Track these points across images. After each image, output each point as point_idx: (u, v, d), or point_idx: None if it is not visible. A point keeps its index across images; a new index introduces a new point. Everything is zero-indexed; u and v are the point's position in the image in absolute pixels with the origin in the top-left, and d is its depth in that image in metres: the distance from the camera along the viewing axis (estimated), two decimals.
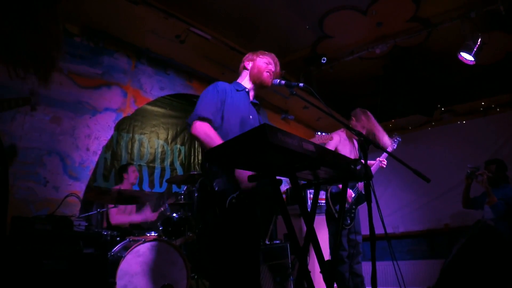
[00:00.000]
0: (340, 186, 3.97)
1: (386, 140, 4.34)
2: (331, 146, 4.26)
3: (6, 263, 2.83)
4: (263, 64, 2.91)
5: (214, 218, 2.43)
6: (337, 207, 4.17)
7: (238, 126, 2.63)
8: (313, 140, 4.31)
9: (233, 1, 4.70)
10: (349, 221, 4.17)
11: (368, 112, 4.48)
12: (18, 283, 2.81)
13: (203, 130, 2.48)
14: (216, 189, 2.30)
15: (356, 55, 5.94)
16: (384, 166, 4.47)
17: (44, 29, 3.77)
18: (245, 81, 2.96)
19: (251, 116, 2.79)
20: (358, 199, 4.27)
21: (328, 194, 4.31)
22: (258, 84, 2.91)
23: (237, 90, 2.85)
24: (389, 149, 4.49)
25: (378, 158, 4.48)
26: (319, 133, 4.61)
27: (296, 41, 5.79)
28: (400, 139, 4.67)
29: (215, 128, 2.54)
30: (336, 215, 4.10)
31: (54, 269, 2.99)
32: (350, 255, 4.12)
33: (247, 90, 2.91)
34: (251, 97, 2.92)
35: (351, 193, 4.22)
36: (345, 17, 5.25)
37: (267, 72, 2.87)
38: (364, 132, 4.28)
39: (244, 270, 2.41)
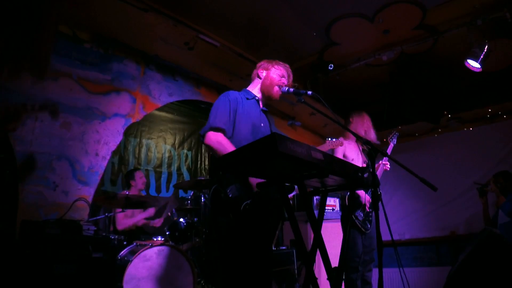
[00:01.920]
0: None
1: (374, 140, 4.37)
2: (339, 150, 4.25)
3: (15, 266, 2.86)
4: (276, 76, 2.90)
5: (227, 224, 2.46)
6: (358, 212, 4.15)
7: (250, 134, 2.65)
8: (323, 145, 4.32)
9: (242, 9, 4.73)
10: (369, 226, 4.15)
11: (362, 115, 4.46)
12: (28, 286, 2.85)
13: (216, 139, 2.52)
14: (230, 195, 2.33)
15: (363, 62, 5.95)
16: (388, 168, 4.47)
17: (38, 27, 3.82)
18: (256, 90, 2.96)
19: (262, 124, 2.81)
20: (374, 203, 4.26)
21: (346, 200, 4.28)
22: (267, 96, 2.92)
23: (247, 99, 2.85)
24: (390, 146, 4.57)
25: (380, 162, 4.48)
26: (329, 139, 4.63)
27: (303, 48, 5.82)
28: (397, 133, 4.69)
29: (228, 138, 2.58)
30: (356, 221, 4.09)
31: (64, 273, 3.02)
32: (363, 262, 4.11)
33: (257, 98, 2.92)
34: (261, 105, 2.94)
35: (368, 198, 4.20)
36: (352, 25, 5.27)
37: (279, 86, 2.86)
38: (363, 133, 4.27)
39: (257, 276, 2.44)
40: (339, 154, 4.24)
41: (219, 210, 2.52)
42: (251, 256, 2.44)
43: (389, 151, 4.54)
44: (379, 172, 4.46)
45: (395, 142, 4.61)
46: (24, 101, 3.53)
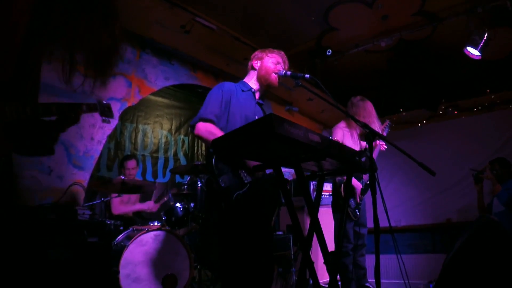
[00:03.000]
0: (345, 177, 3.96)
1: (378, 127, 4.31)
2: (339, 135, 4.25)
3: (10, 252, 2.85)
4: (271, 64, 2.88)
5: (220, 214, 2.46)
6: (350, 199, 4.15)
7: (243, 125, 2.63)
8: None
9: None
10: (358, 213, 4.16)
11: (365, 102, 4.38)
12: (23, 272, 2.83)
13: (206, 129, 2.52)
14: (222, 185, 2.31)
15: (361, 48, 5.92)
16: (384, 149, 4.44)
17: (105, 30, 3.74)
18: (252, 81, 2.95)
19: (256, 116, 2.78)
20: (364, 191, 4.26)
21: (337, 185, 4.26)
22: (265, 86, 2.90)
23: (243, 91, 2.85)
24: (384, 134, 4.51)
25: (377, 142, 4.44)
26: None
27: (301, 33, 5.76)
28: (390, 122, 4.64)
29: (221, 128, 2.57)
30: (348, 208, 4.09)
31: (59, 258, 3.00)
32: (354, 247, 4.12)
33: (253, 90, 2.90)
34: (257, 97, 2.92)
35: (359, 185, 4.19)
36: (351, 10, 5.21)
37: (275, 73, 2.84)
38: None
39: (253, 264, 2.45)
40: (339, 137, 4.23)
41: (212, 200, 2.53)
42: (245, 244, 2.44)
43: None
44: (375, 153, 4.42)
45: (387, 131, 4.57)
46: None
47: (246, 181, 2.35)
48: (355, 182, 4.16)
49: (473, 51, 5.21)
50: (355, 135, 4.34)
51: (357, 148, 4.31)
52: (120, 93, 4.61)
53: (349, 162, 2.12)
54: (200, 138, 2.55)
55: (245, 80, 2.99)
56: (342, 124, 4.38)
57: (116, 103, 4.56)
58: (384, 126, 4.57)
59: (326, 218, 4.58)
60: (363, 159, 2.10)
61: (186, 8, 4.55)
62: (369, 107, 4.29)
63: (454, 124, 7.40)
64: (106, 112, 3.25)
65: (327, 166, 2.24)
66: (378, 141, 4.39)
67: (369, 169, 2.18)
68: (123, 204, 4.85)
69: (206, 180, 2.52)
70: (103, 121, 3.47)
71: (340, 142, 4.21)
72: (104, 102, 3.21)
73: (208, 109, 2.62)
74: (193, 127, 2.61)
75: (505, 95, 6.88)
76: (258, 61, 2.94)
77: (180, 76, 5.41)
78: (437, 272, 2.72)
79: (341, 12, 5.25)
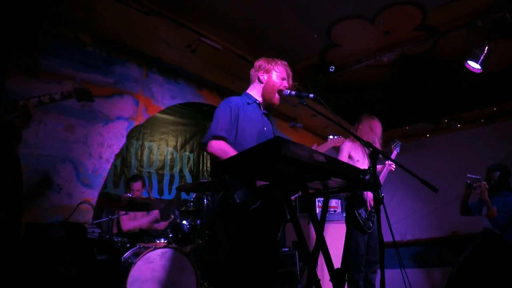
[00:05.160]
0: None
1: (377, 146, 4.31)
2: (345, 152, 4.21)
3: (20, 269, 2.89)
4: (278, 80, 2.86)
5: (237, 230, 2.49)
6: (360, 210, 4.16)
7: (254, 138, 2.67)
8: (326, 144, 4.30)
9: (243, 11, 4.76)
10: (371, 225, 4.14)
11: (373, 121, 4.39)
12: None
13: (219, 147, 2.53)
14: (238, 201, 2.37)
15: (364, 63, 5.98)
16: (393, 169, 4.48)
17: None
18: (256, 94, 2.93)
19: (265, 128, 2.82)
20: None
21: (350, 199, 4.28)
22: (268, 102, 2.91)
23: (248, 103, 2.84)
24: (394, 153, 4.56)
25: (387, 162, 4.49)
26: (331, 137, 4.61)
27: (304, 50, 5.85)
28: (400, 143, 4.70)
29: (231, 144, 2.59)
30: (359, 218, 4.08)
31: (68, 275, 3.04)
32: (367, 263, 4.11)
33: (257, 102, 2.90)
34: (262, 108, 2.93)
35: (371, 196, 4.16)
36: (353, 26, 5.30)
37: (280, 91, 2.82)
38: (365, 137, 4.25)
39: (263, 279, 2.50)
40: (344, 153, 4.21)
41: (228, 217, 2.54)
42: (261, 259, 2.49)
43: (392, 156, 4.56)
44: (384, 172, 4.46)
45: (398, 151, 4.62)
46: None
47: (258, 196, 2.39)
48: (365, 192, 4.16)
49: (474, 65, 5.26)
50: (365, 150, 4.35)
51: (366, 162, 4.32)
52: (127, 112, 4.68)
53: (353, 180, 2.17)
54: (213, 156, 2.56)
55: (249, 91, 2.97)
56: (351, 138, 4.39)
57: (123, 122, 4.63)
58: (395, 144, 4.61)
59: (332, 234, 4.60)
60: (367, 177, 2.14)
61: (192, 28, 4.65)
62: (374, 125, 4.32)
63: (457, 136, 7.42)
64: (84, 96, 3.31)
65: (332, 184, 2.29)
66: (387, 162, 4.45)
67: (373, 187, 2.22)
68: (132, 220, 4.89)
69: (220, 196, 2.55)
70: (82, 106, 3.55)
71: (348, 152, 4.22)
72: (82, 87, 3.27)
73: (219, 126, 2.62)
74: (205, 145, 2.61)
75: (506, 106, 6.91)
76: (265, 74, 2.89)
77: (186, 94, 5.49)
78: (443, 285, 2.74)
79: (343, 28, 5.34)
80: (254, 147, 1.82)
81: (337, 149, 4.34)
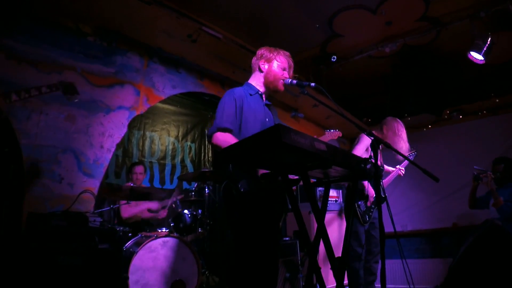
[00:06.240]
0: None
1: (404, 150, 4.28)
2: (363, 144, 4.15)
3: (21, 259, 2.90)
4: (279, 70, 2.85)
5: (239, 217, 2.52)
6: (360, 202, 4.18)
7: (258, 130, 2.63)
8: (323, 137, 4.30)
9: (244, 1, 4.75)
10: (367, 218, 4.18)
11: (397, 124, 4.36)
12: (34, 279, 2.88)
13: (224, 139, 2.53)
14: (242, 190, 2.38)
15: (366, 54, 5.97)
16: (402, 174, 4.53)
17: None
18: (258, 84, 2.92)
19: (267, 119, 2.83)
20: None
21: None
22: (272, 90, 2.90)
23: (251, 94, 2.83)
24: (404, 163, 4.61)
25: (397, 166, 4.53)
26: (328, 130, 4.62)
27: (306, 40, 5.83)
28: (416, 153, 4.73)
29: (235, 136, 2.59)
30: (358, 209, 4.11)
31: (70, 264, 3.05)
32: (368, 252, 4.13)
33: (260, 92, 2.89)
34: (264, 99, 2.92)
35: (373, 193, 4.21)
36: (355, 16, 5.27)
37: (283, 79, 2.82)
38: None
39: (265, 266, 2.53)
40: (362, 146, 4.15)
41: (232, 206, 2.55)
42: (264, 247, 2.52)
43: (404, 164, 4.58)
44: (392, 175, 4.52)
45: (412, 159, 4.61)
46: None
47: (261, 186, 2.42)
48: (366, 185, 4.19)
49: (476, 56, 5.24)
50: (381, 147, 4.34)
51: (381, 159, 4.32)
52: (128, 101, 4.67)
53: (354, 169, 2.17)
54: (218, 148, 2.54)
55: (250, 81, 2.96)
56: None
57: (125, 111, 4.63)
58: (410, 153, 4.61)
59: (333, 224, 4.62)
60: (368, 166, 2.14)
61: (192, 18, 4.62)
62: (398, 129, 4.30)
63: (459, 128, 7.43)
64: (69, 90, 3.39)
65: (333, 173, 2.29)
66: (397, 167, 4.51)
67: (373, 176, 2.22)
68: (132, 207, 4.89)
69: (224, 186, 2.56)
70: (68, 99, 3.58)
71: (366, 146, 4.18)
72: (67, 81, 3.35)
73: (224, 117, 2.62)
74: (210, 137, 2.61)
75: (509, 99, 6.90)
76: (266, 64, 2.88)
77: (187, 84, 5.47)
78: (443, 276, 2.75)
79: (345, 19, 5.31)
80: (255, 134, 1.81)
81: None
